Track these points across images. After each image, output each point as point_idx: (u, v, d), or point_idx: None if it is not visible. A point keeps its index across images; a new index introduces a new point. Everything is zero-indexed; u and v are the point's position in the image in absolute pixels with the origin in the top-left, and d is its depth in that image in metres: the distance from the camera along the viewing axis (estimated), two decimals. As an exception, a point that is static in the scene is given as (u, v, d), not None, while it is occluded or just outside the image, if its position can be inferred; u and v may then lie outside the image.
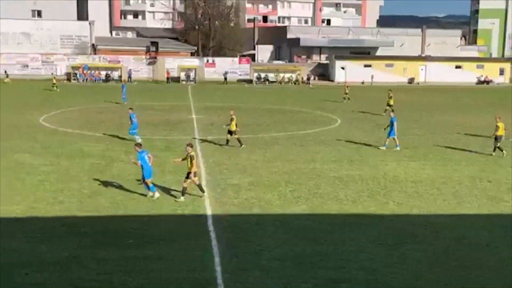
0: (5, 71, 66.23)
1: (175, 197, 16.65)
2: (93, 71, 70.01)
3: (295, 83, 71.44)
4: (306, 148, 25.67)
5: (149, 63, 74.61)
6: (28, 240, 13.08)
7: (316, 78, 74.24)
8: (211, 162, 22.11)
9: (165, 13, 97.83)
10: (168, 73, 70.82)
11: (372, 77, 71.89)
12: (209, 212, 15.60)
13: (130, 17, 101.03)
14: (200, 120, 34.43)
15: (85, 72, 69.65)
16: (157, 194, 16.65)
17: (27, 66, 71.47)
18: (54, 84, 54.37)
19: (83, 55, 73.94)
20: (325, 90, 49.54)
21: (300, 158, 23.26)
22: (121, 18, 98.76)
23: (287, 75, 72.74)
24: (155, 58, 74.58)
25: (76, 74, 69.29)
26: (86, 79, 68.66)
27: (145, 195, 16.74)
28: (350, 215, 15.65)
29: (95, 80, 68.57)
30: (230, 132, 25.33)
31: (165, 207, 15.93)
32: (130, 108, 27.68)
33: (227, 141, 25.44)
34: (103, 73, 70.27)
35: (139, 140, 23.35)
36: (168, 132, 29.99)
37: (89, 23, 78.03)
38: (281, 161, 22.49)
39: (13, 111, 36.59)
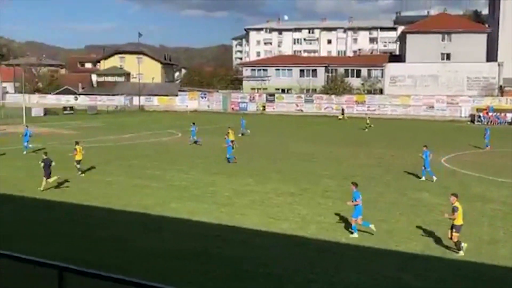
0: (342, 109, 72.77)
1: None
2: (498, 113, 67.57)
3: None
4: None
5: None
6: (422, 278, 13.27)
7: None
8: None
9: None
10: None
11: None
12: None
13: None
14: None
15: (489, 114, 67.81)
16: (355, 235, 16.19)
17: (433, 107, 74.08)
18: (368, 123, 55.67)
19: (489, 97, 72.24)
20: None
21: None
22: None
23: None
24: None
25: (479, 116, 68.11)
26: (490, 121, 66.62)
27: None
28: None
29: (500, 123, 65.93)
30: None
31: None
32: (425, 146, 27.11)
33: None
34: (509, 115, 67.07)
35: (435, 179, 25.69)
36: None
37: (498, 64, 75.83)
38: None
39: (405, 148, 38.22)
